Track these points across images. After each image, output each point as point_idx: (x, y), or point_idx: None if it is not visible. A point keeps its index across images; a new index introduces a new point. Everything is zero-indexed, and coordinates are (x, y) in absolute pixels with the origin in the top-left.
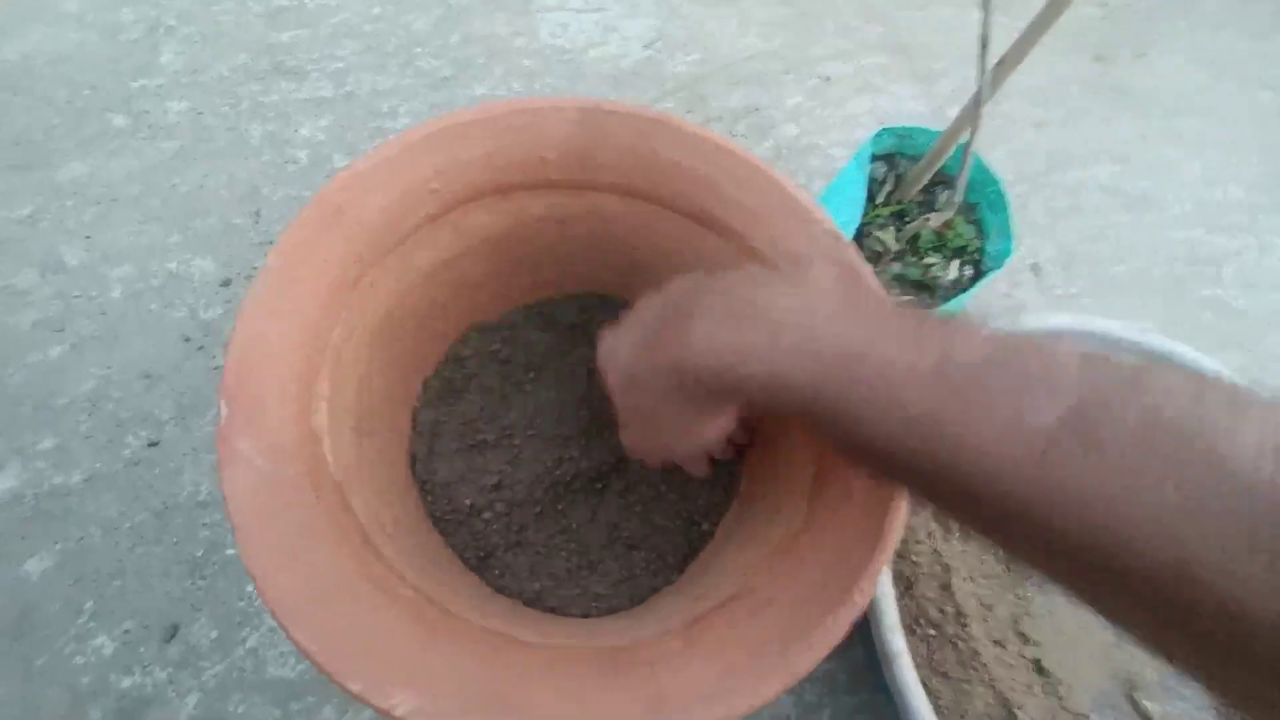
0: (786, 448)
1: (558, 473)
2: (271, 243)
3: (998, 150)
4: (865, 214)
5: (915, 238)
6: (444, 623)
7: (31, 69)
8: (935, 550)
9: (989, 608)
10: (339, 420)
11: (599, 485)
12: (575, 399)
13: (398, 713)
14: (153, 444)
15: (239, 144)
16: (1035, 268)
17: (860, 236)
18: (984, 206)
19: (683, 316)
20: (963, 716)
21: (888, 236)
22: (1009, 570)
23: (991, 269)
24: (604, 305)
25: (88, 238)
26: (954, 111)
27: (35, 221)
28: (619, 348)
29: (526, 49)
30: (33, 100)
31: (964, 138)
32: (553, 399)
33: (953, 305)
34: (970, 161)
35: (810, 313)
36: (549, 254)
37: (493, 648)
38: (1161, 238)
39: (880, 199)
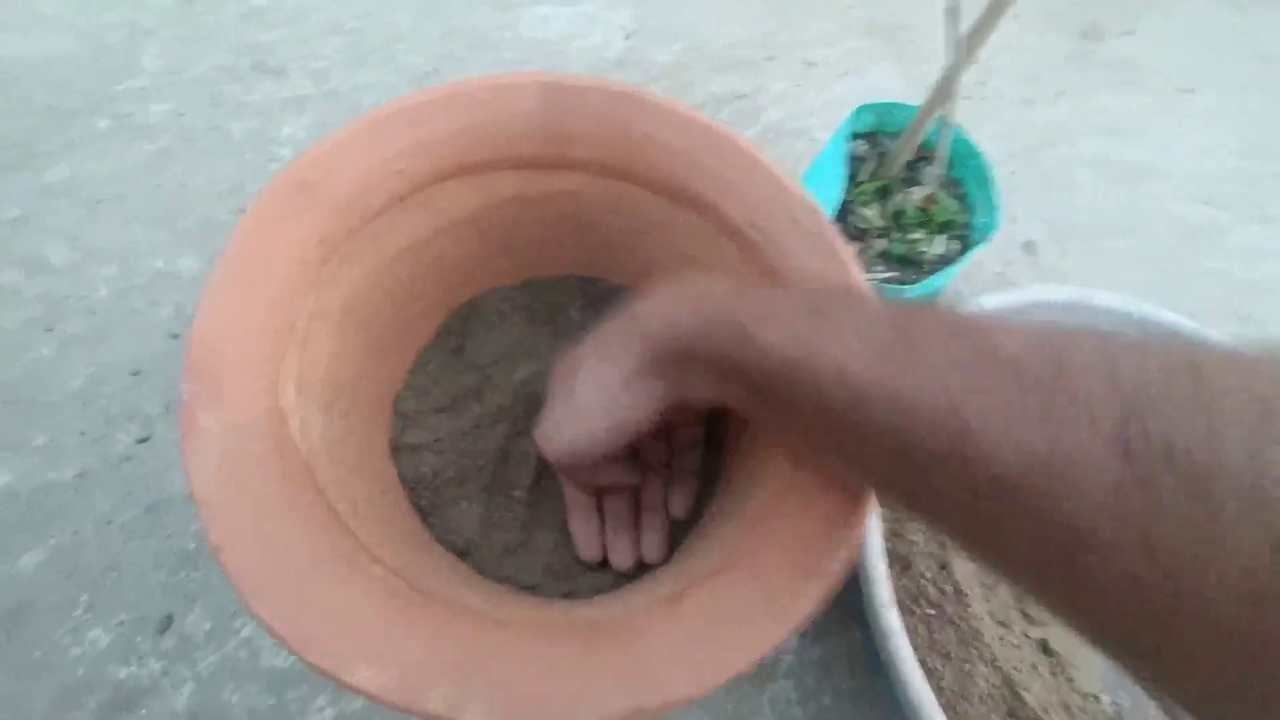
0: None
1: (532, 455)
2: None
3: (986, 128)
4: (848, 192)
5: (900, 213)
6: (415, 599)
7: (12, 73)
8: (930, 529)
9: (991, 588)
10: (308, 399)
11: None
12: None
13: (360, 687)
14: (143, 440)
15: (222, 143)
16: (1028, 245)
17: (844, 214)
18: (969, 181)
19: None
20: (965, 697)
21: (871, 213)
22: None
23: (978, 242)
24: (583, 286)
25: (74, 238)
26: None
27: (21, 223)
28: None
29: (508, 42)
30: (15, 104)
31: (941, 111)
32: (532, 382)
33: (939, 279)
34: (949, 134)
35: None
36: (523, 235)
37: (466, 623)
38: (1158, 210)
39: (863, 177)
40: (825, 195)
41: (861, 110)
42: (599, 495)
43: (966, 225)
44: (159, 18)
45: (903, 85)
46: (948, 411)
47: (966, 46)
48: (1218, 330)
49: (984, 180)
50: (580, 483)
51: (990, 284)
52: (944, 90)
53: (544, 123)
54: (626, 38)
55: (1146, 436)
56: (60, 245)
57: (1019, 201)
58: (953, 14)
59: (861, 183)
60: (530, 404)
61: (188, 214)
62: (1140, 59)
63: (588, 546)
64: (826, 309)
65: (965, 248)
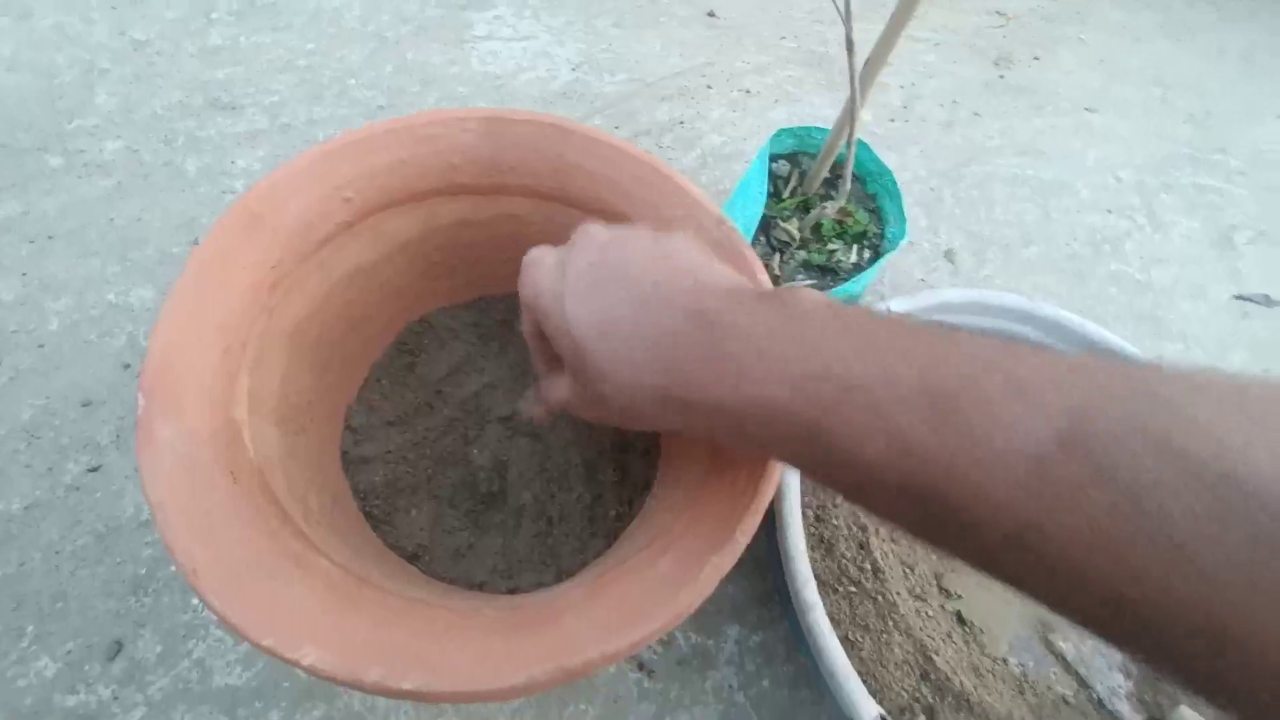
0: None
1: (480, 465)
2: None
3: (911, 149)
4: (770, 208)
5: (818, 226)
6: (359, 591)
7: None
8: (852, 512)
9: (910, 566)
10: (260, 413)
11: (517, 486)
12: (500, 393)
13: (305, 663)
14: (93, 469)
15: (175, 178)
16: (949, 254)
17: (767, 228)
18: (882, 195)
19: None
20: (882, 664)
21: (792, 226)
22: None
23: (889, 250)
24: None
25: (24, 274)
26: (867, 115)
27: None
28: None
29: (459, 76)
30: None
31: (848, 134)
32: (482, 396)
33: (855, 285)
34: (853, 153)
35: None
36: (466, 256)
37: (404, 608)
38: (1066, 221)
39: (786, 194)
40: (750, 211)
41: (781, 134)
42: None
43: (879, 235)
44: (113, 58)
45: (832, 110)
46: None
47: (865, 74)
48: (1119, 328)
49: (894, 195)
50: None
51: (914, 288)
52: (848, 115)
53: (483, 154)
54: (573, 70)
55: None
56: (11, 280)
57: (941, 214)
58: (850, 47)
59: (784, 199)
60: (479, 416)
61: (142, 247)
62: (1048, 85)
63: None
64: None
65: (878, 256)
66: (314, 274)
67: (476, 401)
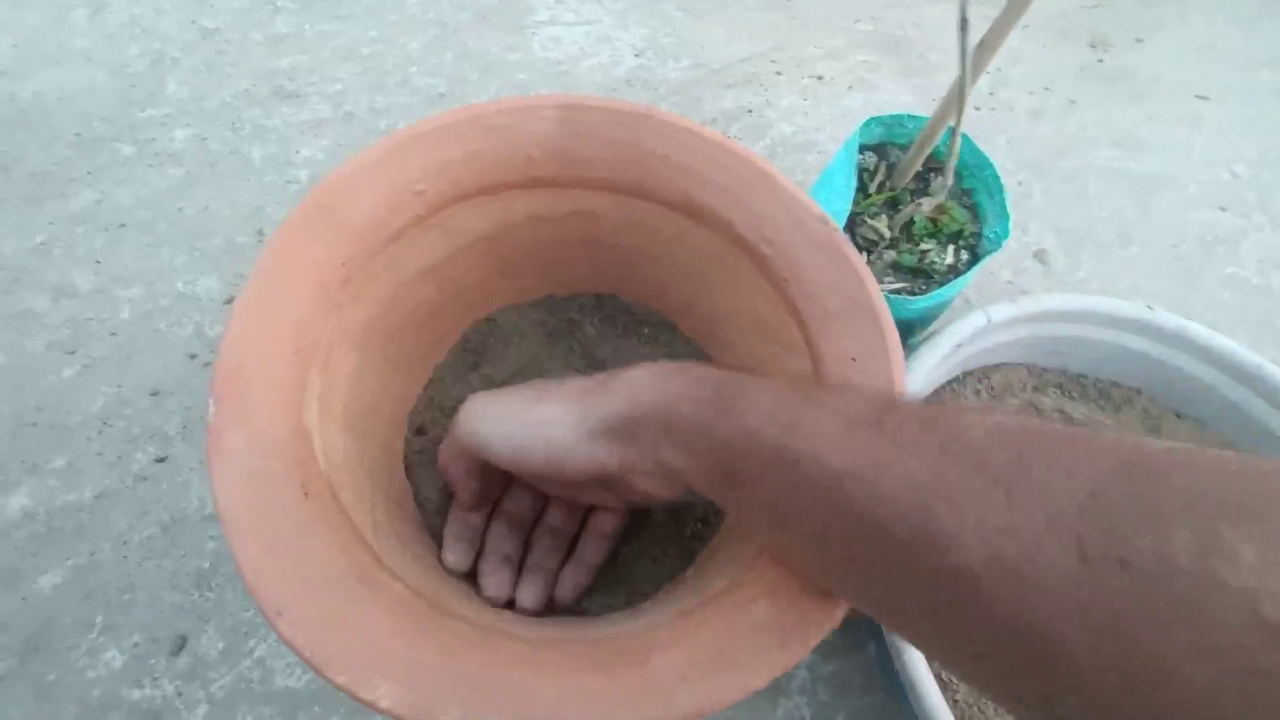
0: None
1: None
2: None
3: (997, 140)
4: (857, 204)
5: (910, 224)
6: (432, 617)
7: (44, 106)
8: None
9: None
10: (329, 418)
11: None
12: None
13: (382, 704)
14: (160, 459)
15: (242, 167)
16: (1040, 254)
17: (853, 226)
18: (979, 191)
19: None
20: (980, 709)
21: (880, 225)
22: None
23: (989, 251)
24: (599, 303)
25: (98, 263)
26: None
27: (48, 250)
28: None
29: (520, 63)
30: (45, 135)
31: (951, 122)
32: None
33: (950, 289)
34: (958, 145)
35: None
36: (539, 254)
37: (481, 639)
38: (1171, 219)
39: (873, 189)
40: (834, 207)
41: (870, 123)
42: (487, 517)
43: (977, 235)
44: (183, 48)
45: (909, 98)
46: (915, 499)
47: (976, 58)
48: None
49: (994, 190)
50: (473, 489)
51: (1002, 292)
52: (954, 101)
53: (559, 144)
54: (636, 55)
55: (1101, 539)
56: (86, 270)
57: (1030, 211)
58: (963, 26)
59: (871, 195)
60: None
61: (209, 237)
62: (1149, 69)
63: (494, 586)
64: (811, 396)
65: (975, 258)
66: (384, 271)
67: None
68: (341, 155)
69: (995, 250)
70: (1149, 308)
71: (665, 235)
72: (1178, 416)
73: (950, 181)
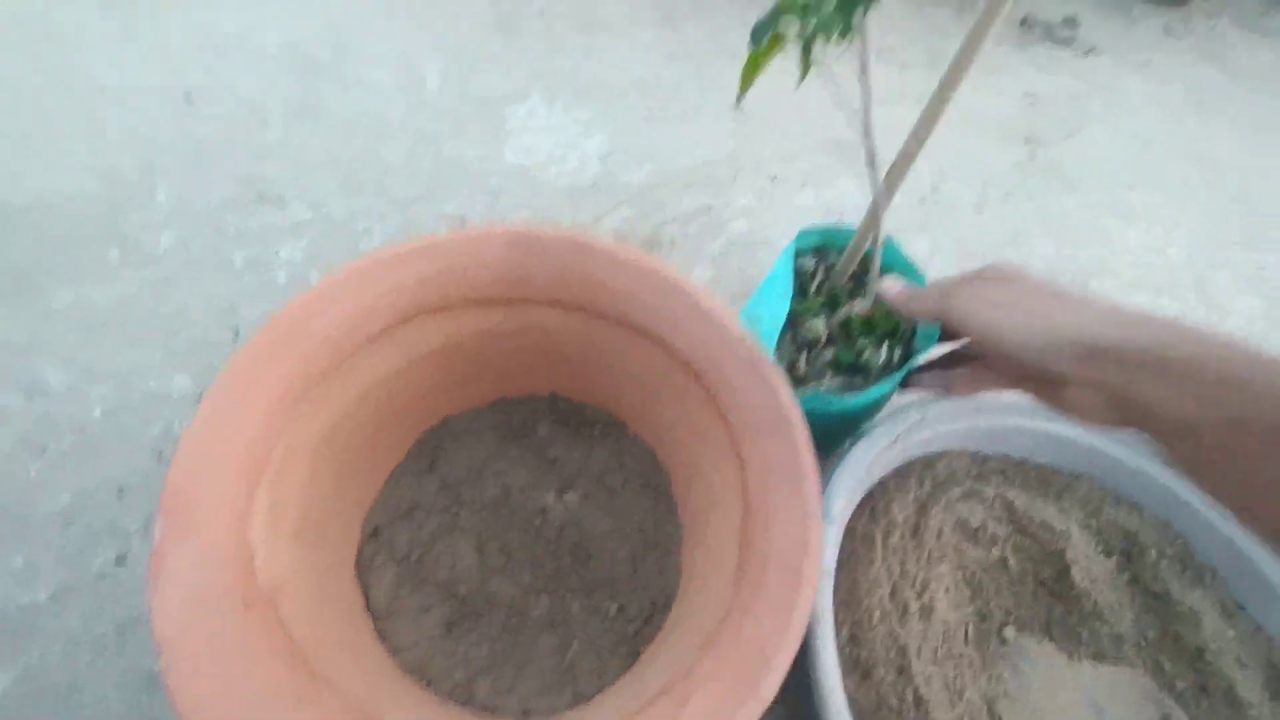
0: (715, 541)
1: (494, 584)
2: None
3: (941, 232)
4: (798, 305)
5: (847, 323)
6: None
7: (35, 208)
8: (891, 632)
9: (958, 691)
10: (277, 531)
11: (534, 593)
12: (519, 496)
13: None
14: (120, 558)
15: (222, 268)
16: None
17: (794, 325)
18: None
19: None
20: None
21: (819, 324)
22: (979, 650)
23: (920, 349)
24: (552, 404)
25: (72, 360)
26: (896, 198)
27: (25, 348)
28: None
29: (492, 170)
30: (33, 237)
31: (875, 238)
32: (496, 497)
33: (883, 386)
34: (878, 264)
35: None
36: (492, 362)
37: None
38: (1115, 277)
39: (813, 289)
40: (775, 308)
41: (804, 234)
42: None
43: (911, 332)
44: (174, 156)
45: (860, 196)
46: None
47: (885, 183)
48: None
49: (911, 273)
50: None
51: None
52: (871, 221)
53: (508, 269)
54: (601, 160)
55: None
56: (59, 368)
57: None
58: (871, 160)
59: (810, 296)
60: (497, 522)
61: (184, 333)
62: (1081, 164)
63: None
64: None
65: (909, 354)
66: (341, 384)
67: (495, 506)
68: (319, 256)
69: (927, 348)
70: None
71: (613, 347)
72: (1118, 500)
73: (874, 288)
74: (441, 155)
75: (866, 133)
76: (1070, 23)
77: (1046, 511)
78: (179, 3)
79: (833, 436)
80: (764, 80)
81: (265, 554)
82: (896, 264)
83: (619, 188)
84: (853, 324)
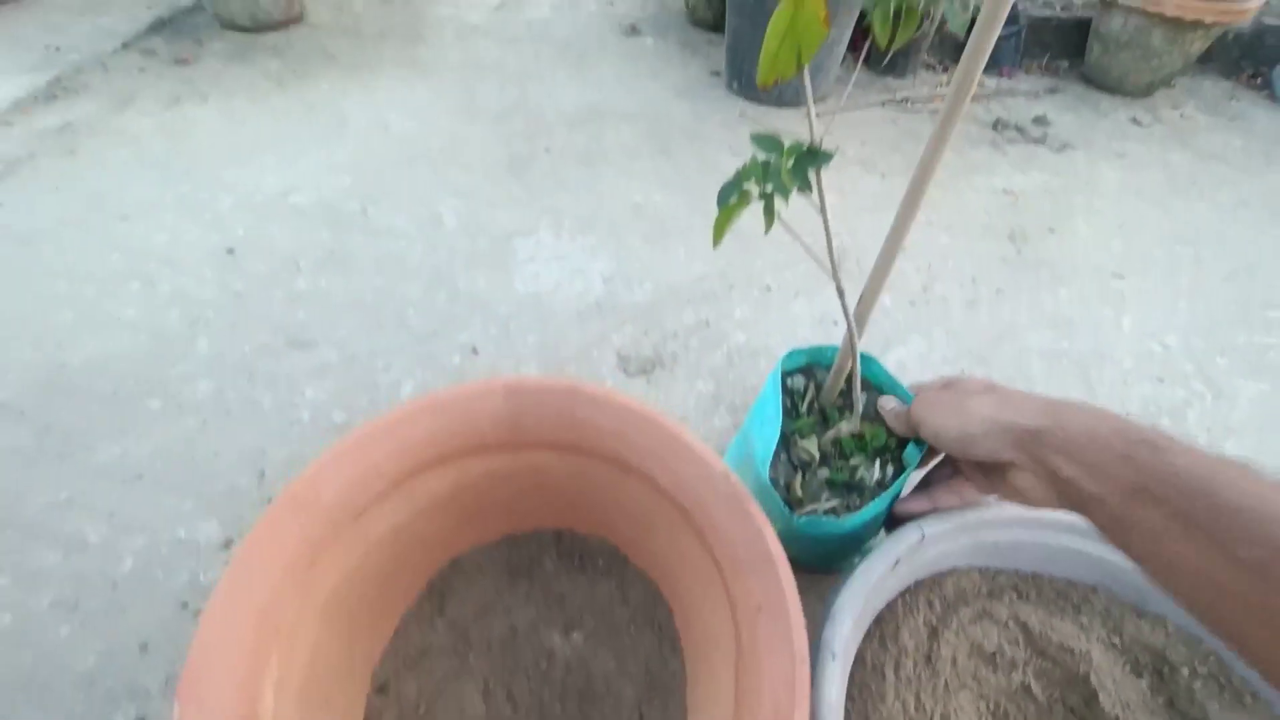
0: (714, 682)
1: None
2: (270, 500)
3: (936, 331)
4: (789, 424)
5: (839, 442)
6: None
7: (89, 370)
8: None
9: None
10: (286, 696)
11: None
12: (526, 634)
13: None
14: None
15: (252, 412)
16: None
17: (788, 446)
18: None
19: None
20: None
21: (811, 444)
22: None
23: (909, 465)
24: (555, 539)
25: (111, 514)
26: (888, 300)
27: (67, 506)
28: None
29: (504, 299)
30: (86, 396)
31: (853, 365)
32: (504, 637)
33: (877, 504)
34: (858, 387)
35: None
36: (497, 502)
37: None
38: (1115, 394)
39: (804, 409)
40: (766, 431)
41: (791, 354)
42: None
43: (899, 448)
44: (216, 309)
45: (852, 300)
46: None
47: (857, 312)
48: None
49: (897, 390)
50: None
51: None
52: (849, 347)
53: (507, 417)
54: (604, 283)
55: None
56: (98, 523)
57: None
58: (840, 293)
59: (801, 416)
60: (505, 662)
61: (214, 482)
62: (1067, 255)
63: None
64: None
65: (900, 470)
66: (351, 542)
67: (503, 646)
68: (341, 396)
69: (914, 465)
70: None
71: (605, 483)
72: (1139, 614)
73: (860, 409)
74: (457, 289)
75: (834, 272)
76: (1041, 121)
77: (1065, 630)
78: (228, 169)
79: (834, 556)
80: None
81: None
82: (878, 378)
83: (622, 307)
84: (845, 443)
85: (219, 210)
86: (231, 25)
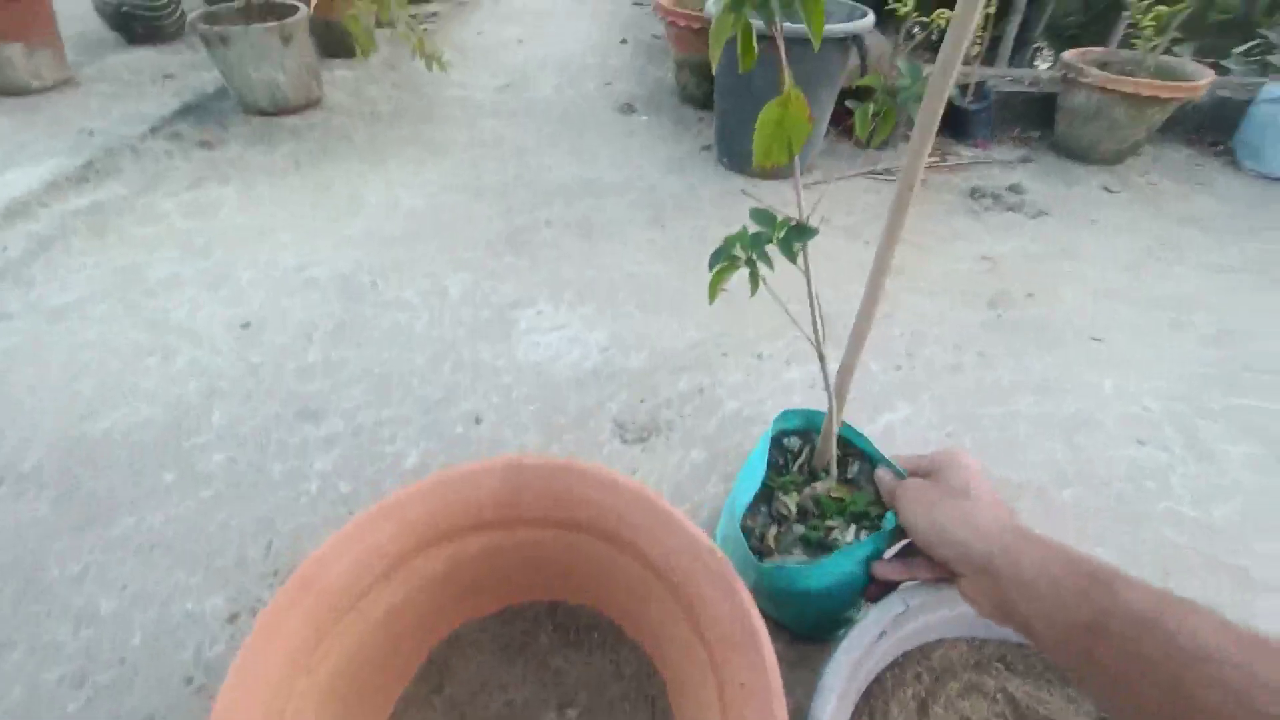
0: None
1: None
2: (277, 573)
3: (921, 396)
4: (774, 480)
5: (819, 501)
6: None
7: (111, 438)
8: None
9: None
10: None
11: None
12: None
13: None
14: None
15: (262, 482)
16: None
17: (770, 500)
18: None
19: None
20: None
21: (791, 500)
22: None
23: (883, 528)
24: (551, 612)
25: (124, 587)
26: (874, 366)
27: (82, 578)
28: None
29: (505, 368)
30: (106, 465)
31: (832, 431)
32: (499, 715)
33: (846, 558)
34: (833, 447)
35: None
36: (493, 576)
37: None
38: (1099, 457)
39: (794, 468)
40: (749, 482)
41: (786, 414)
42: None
43: (880, 518)
44: (231, 381)
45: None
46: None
47: (838, 383)
48: (1190, 581)
49: (887, 463)
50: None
51: None
52: (831, 421)
53: (504, 496)
54: (602, 351)
55: None
56: (111, 595)
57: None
58: (821, 359)
59: (788, 473)
60: None
61: (224, 554)
62: (1049, 319)
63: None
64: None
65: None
66: (351, 625)
67: None
68: (348, 465)
69: (885, 531)
70: None
71: (599, 557)
72: None
73: (835, 472)
74: (461, 359)
75: (816, 336)
76: (1016, 189)
77: (1053, 704)
78: (247, 246)
79: (810, 618)
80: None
81: None
82: (869, 450)
83: (619, 373)
84: (825, 504)
85: (237, 285)
86: (254, 109)
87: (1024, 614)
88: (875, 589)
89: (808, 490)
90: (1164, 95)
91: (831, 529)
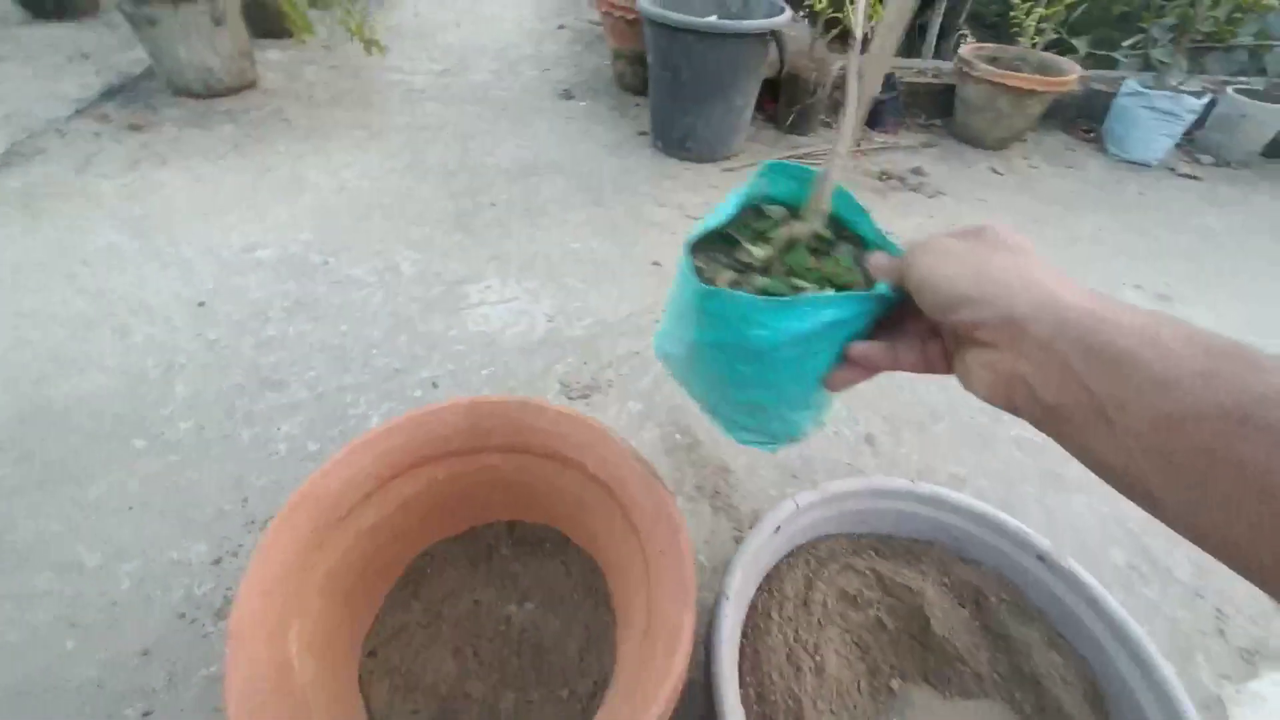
0: (635, 617)
1: (470, 685)
2: (255, 521)
3: None
4: (741, 230)
5: (793, 246)
6: None
7: (73, 409)
8: (789, 689)
9: None
10: (305, 648)
11: (502, 688)
12: (490, 622)
13: None
14: (146, 715)
15: (232, 446)
16: (869, 438)
17: (734, 249)
18: (871, 243)
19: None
20: None
21: (760, 250)
22: (873, 702)
23: (877, 292)
24: (510, 530)
25: (106, 541)
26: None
27: (63, 535)
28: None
29: (458, 338)
30: (71, 433)
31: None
32: (469, 611)
33: (823, 303)
34: (828, 202)
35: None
36: (459, 499)
37: None
38: (966, 398)
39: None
40: (712, 218)
41: (773, 168)
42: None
43: (860, 287)
44: (189, 356)
45: None
46: None
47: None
48: (1024, 487)
49: (886, 245)
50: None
51: (844, 472)
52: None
53: (467, 427)
54: (548, 321)
55: None
56: (95, 550)
57: (860, 403)
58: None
59: (766, 218)
60: (471, 631)
61: (202, 508)
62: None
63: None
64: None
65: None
66: (344, 532)
67: (469, 618)
68: (314, 429)
69: (880, 290)
70: (911, 481)
71: (546, 476)
72: (963, 561)
73: (824, 219)
74: (416, 331)
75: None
76: (918, 172)
77: (908, 576)
78: (193, 225)
79: (743, 393)
80: (670, 241)
81: (299, 666)
82: (858, 231)
83: (564, 341)
84: (797, 264)
85: (187, 265)
86: (184, 91)
87: (1097, 394)
88: (844, 374)
89: (785, 229)
90: (1039, 89)
91: (800, 289)
